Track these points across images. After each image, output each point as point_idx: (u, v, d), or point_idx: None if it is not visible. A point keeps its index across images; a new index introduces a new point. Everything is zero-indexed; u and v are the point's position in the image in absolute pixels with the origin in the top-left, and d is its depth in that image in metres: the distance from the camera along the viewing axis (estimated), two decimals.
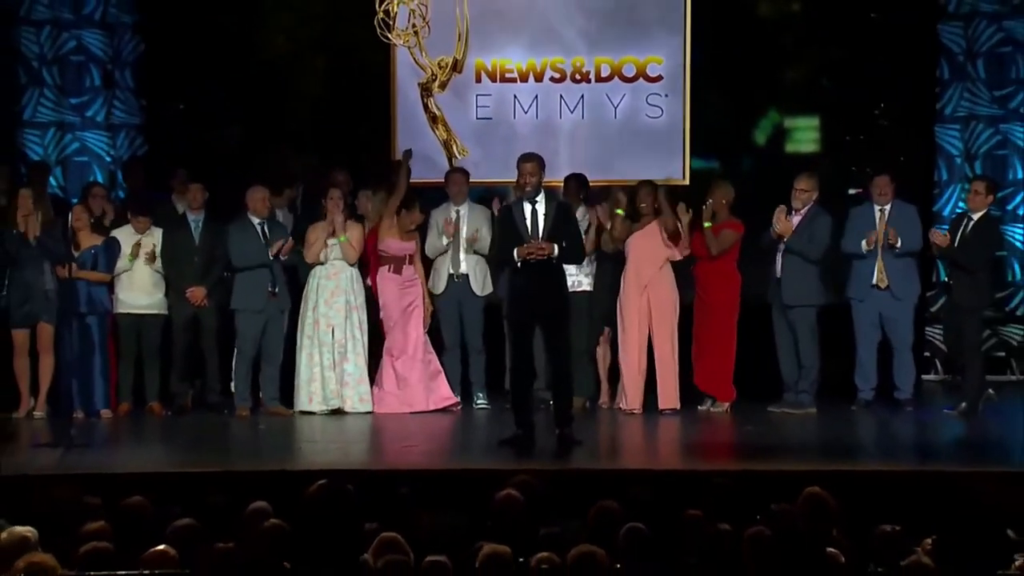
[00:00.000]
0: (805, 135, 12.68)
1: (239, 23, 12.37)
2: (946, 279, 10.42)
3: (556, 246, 8.92)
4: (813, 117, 12.63)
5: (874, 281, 10.43)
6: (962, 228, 10.27)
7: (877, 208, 10.50)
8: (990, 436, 9.61)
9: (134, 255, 10.33)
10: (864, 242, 10.40)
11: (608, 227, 10.43)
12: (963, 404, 10.21)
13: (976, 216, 10.25)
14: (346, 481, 5.87)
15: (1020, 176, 12.31)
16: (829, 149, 12.53)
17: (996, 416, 10.32)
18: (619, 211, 10.49)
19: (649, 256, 10.29)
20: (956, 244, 10.20)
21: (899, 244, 10.35)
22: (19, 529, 5.42)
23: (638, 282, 10.27)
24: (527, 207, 9.06)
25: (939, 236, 10.32)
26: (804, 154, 12.49)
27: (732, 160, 12.52)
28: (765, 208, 10.59)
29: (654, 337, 10.30)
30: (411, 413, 10.32)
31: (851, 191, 12.09)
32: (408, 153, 10.91)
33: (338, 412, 10.35)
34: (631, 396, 10.29)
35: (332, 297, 10.41)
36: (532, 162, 9.13)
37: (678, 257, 10.35)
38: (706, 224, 10.37)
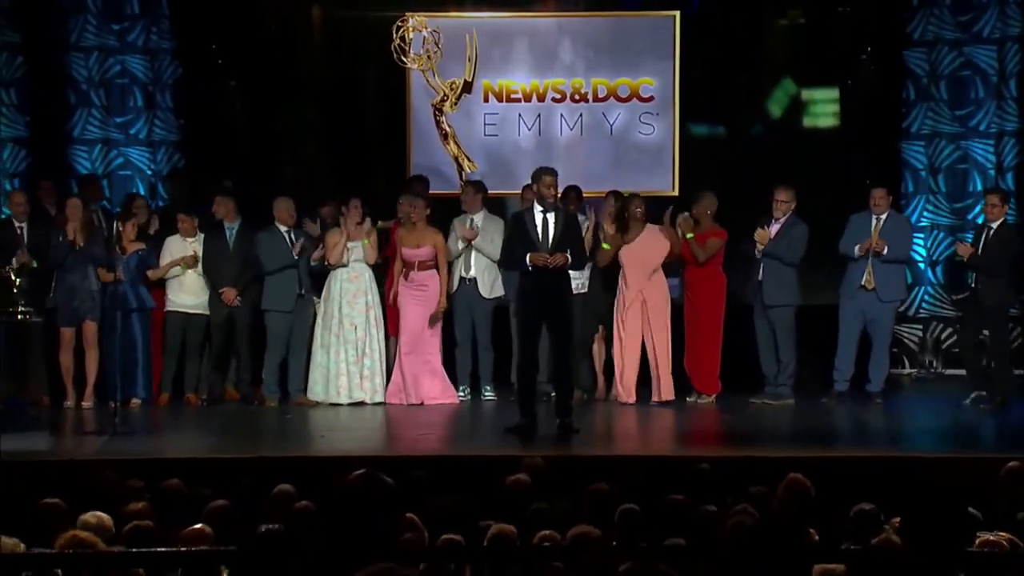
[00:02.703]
0: (823, 107, 12.62)
1: (267, 53, 12.37)
2: (973, 284, 10.37)
3: (568, 256, 8.90)
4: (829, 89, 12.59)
5: (862, 282, 10.40)
6: (984, 236, 10.27)
7: (874, 217, 10.47)
8: (965, 426, 9.55)
9: (188, 265, 10.39)
10: (857, 248, 10.36)
11: (605, 236, 10.38)
12: (997, 398, 10.05)
13: (995, 225, 10.22)
14: (366, 466, 5.82)
15: (979, 188, 12.25)
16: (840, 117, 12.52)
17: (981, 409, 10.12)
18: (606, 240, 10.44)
19: (641, 265, 10.24)
20: (979, 252, 10.18)
21: (885, 252, 10.33)
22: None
23: (634, 288, 10.23)
24: (539, 216, 9.00)
25: (963, 247, 10.34)
26: (820, 128, 12.55)
27: (736, 125, 12.59)
28: (763, 173, 10.84)
29: (653, 337, 10.23)
30: (424, 404, 10.28)
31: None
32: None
33: (359, 404, 10.33)
34: (627, 389, 10.26)
35: (354, 299, 10.40)
36: (554, 176, 9.07)
37: (672, 256, 10.30)
38: (688, 235, 10.33)
